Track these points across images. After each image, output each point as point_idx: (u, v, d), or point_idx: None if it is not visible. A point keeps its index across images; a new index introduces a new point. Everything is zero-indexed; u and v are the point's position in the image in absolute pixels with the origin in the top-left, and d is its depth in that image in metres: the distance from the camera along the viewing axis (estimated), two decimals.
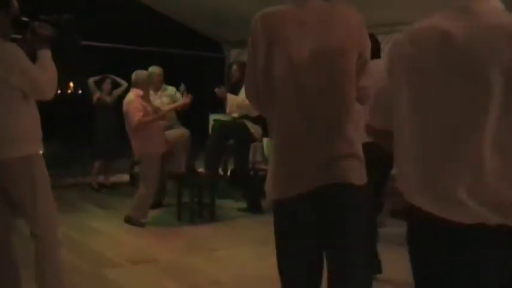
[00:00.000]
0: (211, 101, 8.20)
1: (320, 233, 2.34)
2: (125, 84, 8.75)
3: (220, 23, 9.06)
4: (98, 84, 8.86)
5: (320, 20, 2.31)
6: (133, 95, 6.59)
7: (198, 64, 10.88)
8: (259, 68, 2.35)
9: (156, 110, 6.71)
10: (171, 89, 7.76)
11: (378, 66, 2.21)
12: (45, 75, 3.43)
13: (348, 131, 2.30)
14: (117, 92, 8.82)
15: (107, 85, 8.84)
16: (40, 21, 3.46)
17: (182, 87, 7.62)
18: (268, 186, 2.40)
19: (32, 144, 3.47)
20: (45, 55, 3.47)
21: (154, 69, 7.46)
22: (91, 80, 8.77)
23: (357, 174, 2.32)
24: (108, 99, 8.76)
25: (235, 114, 7.35)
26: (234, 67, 7.54)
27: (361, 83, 2.38)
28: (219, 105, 8.18)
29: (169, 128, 7.40)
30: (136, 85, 6.68)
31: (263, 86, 2.37)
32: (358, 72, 2.35)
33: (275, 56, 2.29)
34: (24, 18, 3.47)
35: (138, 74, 6.73)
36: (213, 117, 8.49)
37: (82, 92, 20.71)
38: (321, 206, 2.31)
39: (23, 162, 3.38)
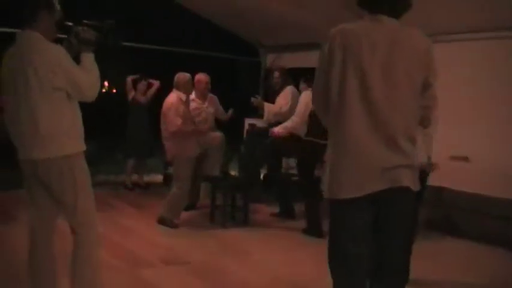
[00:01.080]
0: (246, 105, 8.19)
1: (376, 227, 2.69)
2: (157, 83, 8.81)
3: (257, 27, 9.07)
4: (134, 83, 8.92)
5: (392, 40, 2.56)
6: (175, 98, 6.56)
7: (233, 68, 10.86)
8: (333, 80, 2.60)
9: (195, 122, 6.78)
10: (214, 97, 7.64)
11: None
12: (88, 77, 3.50)
13: (408, 144, 2.61)
14: (150, 92, 8.88)
15: (142, 85, 8.89)
16: (83, 26, 3.55)
17: (230, 112, 7.64)
18: (331, 187, 2.67)
19: (75, 143, 3.53)
20: (89, 58, 3.55)
21: (201, 77, 7.29)
22: (129, 79, 8.84)
23: (413, 181, 2.67)
24: (143, 99, 8.82)
25: (273, 122, 7.24)
26: (276, 74, 7.32)
27: (424, 103, 2.71)
28: (254, 110, 8.17)
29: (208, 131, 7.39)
30: (178, 87, 6.68)
31: (335, 96, 2.61)
32: (422, 93, 2.65)
33: (349, 71, 2.54)
34: (68, 23, 3.58)
35: (179, 77, 6.71)
36: (248, 121, 8.48)
37: (117, 91, 20.80)
38: (381, 205, 2.64)
39: (66, 161, 3.45)
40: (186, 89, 6.70)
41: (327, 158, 2.74)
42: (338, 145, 2.65)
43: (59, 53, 3.40)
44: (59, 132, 3.41)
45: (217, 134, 7.47)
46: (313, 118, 6.34)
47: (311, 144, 6.37)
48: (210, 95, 7.49)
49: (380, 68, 2.52)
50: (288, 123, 6.76)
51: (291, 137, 6.75)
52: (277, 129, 6.83)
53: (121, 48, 3.99)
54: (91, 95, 3.54)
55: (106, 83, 20.99)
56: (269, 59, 10.01)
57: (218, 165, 7.30)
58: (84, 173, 3.59)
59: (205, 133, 6.96)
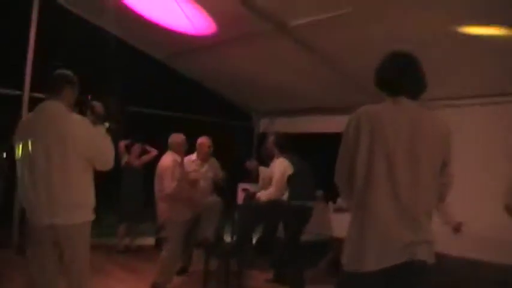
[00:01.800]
0: (239, 169, 8.20)
1: None
2: (154, 152, 8.87)
3: (250, 93, 9.23)
4: (127, 147, 8.96)
5: (414, 125, 2.73)
6: (170, 160, 6.58)
7: (226, 132, 10.95)
8: (359, 163, 2.73)
9: (193, 182, 6.74)
10: (213, 160, 7.59)
11: None
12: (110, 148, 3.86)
13: (428, 220, 2.78)
14: (146, 158, 8.94)
15: (136, 149, 8.94)
16: (95, 101, 3.98)
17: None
18: (353, 260, 2.75)
19: (90, 211, 3.82)
20: (103, 130, 3.90)
21: (204, 140, 7.34)
22: (122, 144, 8.88)
23: (430, 255, 2.77)
24: (137, 163, 8.85)
25: (264, 199, 6.93)
26: (271, 138, 7.30)
27: (441, 180, 2.84)
28: (248, 174, 8.18)
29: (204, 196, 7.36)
30: (172, 148, 6.73)
31: (361, 178, 2.73)
32: (440, 171, 2.82)
33: (376, 154, 2.69)
34: (84, 97, 3.99)
35: (173, 138, 6.79)
36: (242, 186, 8.48)
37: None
38: (396, 278, 2.70)
39: (83, 227, 3.76)
40: (180, 150, 6.76)
41: (350, 233, 2.82)
42: (364, 225, 2.74)
43: (89, 125, 3.74)
44: (87, 200, 3.74)
45: (216, 200, 7.37)
46: (294, 181, 6.44)
47: (298, 208, 6.43)
48: (212, 158, 7.52)
49: (404, 151, 2.69)
50: (266, 193, 6.78)
51: (275, 202, 6.75)
52: (258, 196, 6.85)
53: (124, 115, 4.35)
54: (111, 162, 3.87)
55: None
56: (262, 124, 10.15)
57: (212, 230, 7.22)
58: (89, 238, 3.87)
59: (197, 200, 6.91)
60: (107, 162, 3.83)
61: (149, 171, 6.83)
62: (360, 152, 2.72)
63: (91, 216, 3.81)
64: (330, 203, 7.95)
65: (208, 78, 8.97)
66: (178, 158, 6.68)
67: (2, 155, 9.18)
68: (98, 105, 3.95)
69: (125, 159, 8.82)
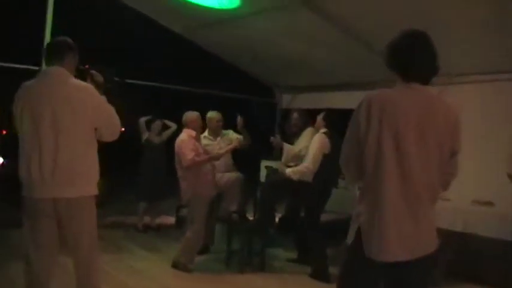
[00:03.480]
0: (262, 146, 7.99)
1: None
2: (174, 126, 8.69)
3: (272, 68, 9.00)
4: (148, 124, 8.80)
5: (425, 111, 2.71)
6: (186, 135, 6.48)
7: (248, 108, 10.73)
8: (369, 146, 2.70)
9: (208, 155, 6.59)
10: (231, 133, 7.46)
11: None
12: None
13: (432, 208, 2.79)
14: (167, 133, 8.79)
15: (156, 125, 8.79)
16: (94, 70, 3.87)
17: (239, 119, 7.19)
18: (369, 245, 2.73)
19: (95, 185, 3.64)
20: (105, 99, 3.75)
21: (213, 115, 7.28)
22: (142, 120, 8.73)
23: (434, 242, 2.81)
24: (157, 140, 8.70)
25: (291, 163, 6.82)
26: (295, 115, 7.04)
27: (447, 169, 2.84)
28: (270, 151, 7.96)
29: (225, 172, 7.21)
30: (187, 126, 6.60)
31: (370, 161, 2.71)
32: (448, 161, 2.81)
33: (386, 139, 2.66)
34: (82, 67, 3.86)
35: (187, 115, 6.66)
36: (264, 163, 8.28)
37: (125, 130, 20.84)
38: (398, 271, 2.76)
39: (86, 201, 3.55)
40: (195, 126, 6.64)
41: (358, 213, 2.81)
42: (372, 207, 2.73)
43: (96, 92, 3.58)
44: (83, 174, 3.52)
45: (236, 175, 7.29)
46: (325, 162, 6.19)
47: (321, 189, 6.27)
48: (235, 134, 7.36)
49: (414, 136, 2.66)
50: (300, 168, 6.41)
51: (300, 182, 6.47)
52: (288, 172, 6.54)
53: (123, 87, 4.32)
54: (118, 134, 3.75)
55: None
56: (285, 100, 9.92)
57: (235, 206, 7.08)
58: (95, 213, 3.69)
59: (218, 158, 6.75)
60: (114, 133, 3.71)
61: (170, 148, 6.65)
62: (370, 137, 2.69)
63: (95, 190, 3.62)
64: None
65: (230, 52, 8.74)
66: (194, 133, 6.55)
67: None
68: (97, 74, 3.83)
69: (145, 136, 8.67)
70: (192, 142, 6.42)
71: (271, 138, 7.08)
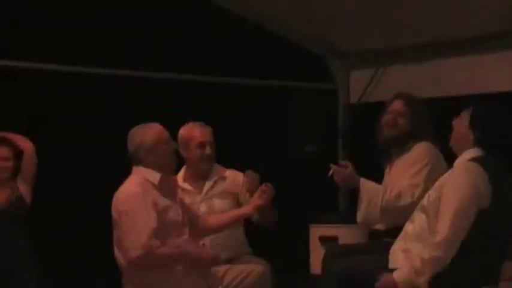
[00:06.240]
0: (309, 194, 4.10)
1: None
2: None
3: (328, 19, 4.95)
4: None
5: None
6: (136, 181, 3.32)
7: (276, 104, 6.07)
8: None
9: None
10: (232, 175, 4.00)
11: None
12: None
13: None
14: None
15: None
16: None
17: (248, 174, 3.82)
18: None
19: None
20: None
21: (190, 131, 3.89)
22: None
23: None
24: None
25: (380, 227, 3.54)
26: (399, 104, 3.60)
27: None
28: (330, 202, 3.95)
29: (229, 261, 3.77)
30: (140, 160, 3.31)
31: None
32: None
33: None
34: None
35: (137, 133, 3.34)
36: (316, 231, 4.37)
37: None
38: None
39: None
40: (159, 160, 3.41)
41: None
42: None
43: None
44: None
45: (255, 267, 3.68)
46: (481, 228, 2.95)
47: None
48: (229, 170, 4.03)
49: None
50: (431, 253, 2.80)
51: None
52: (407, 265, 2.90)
53: None
54: None
55: None
56: (355, 81, 5.49)
57: None
58: None
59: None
60: None
61: None
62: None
63: None
64: None
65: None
66: (155, 176, 3.33)
67: None
68: None
69: None
70: (150, 198, 3.20)
71: (331, 167, 3.31)
